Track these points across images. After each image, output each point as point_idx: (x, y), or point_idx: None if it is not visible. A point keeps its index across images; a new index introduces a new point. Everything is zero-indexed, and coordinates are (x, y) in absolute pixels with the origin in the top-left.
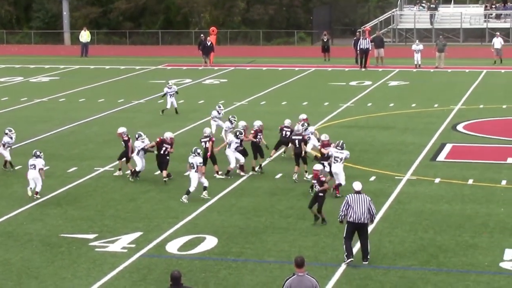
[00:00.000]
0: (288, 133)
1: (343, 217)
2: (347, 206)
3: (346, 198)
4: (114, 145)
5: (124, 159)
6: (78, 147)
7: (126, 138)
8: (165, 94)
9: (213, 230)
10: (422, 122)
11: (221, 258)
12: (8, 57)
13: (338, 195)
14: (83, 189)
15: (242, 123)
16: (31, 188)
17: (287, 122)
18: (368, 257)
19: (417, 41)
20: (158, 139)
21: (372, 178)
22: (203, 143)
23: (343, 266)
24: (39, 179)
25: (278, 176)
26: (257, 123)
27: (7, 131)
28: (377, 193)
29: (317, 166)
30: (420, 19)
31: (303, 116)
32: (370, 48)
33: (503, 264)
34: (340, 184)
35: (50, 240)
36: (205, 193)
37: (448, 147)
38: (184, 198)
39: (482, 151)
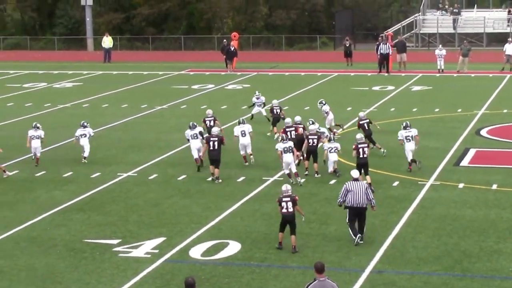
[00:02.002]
0: (279, 111)
1: (341, 202)
2: (346, 192)
3: (345, 184)
4: (138, 150)
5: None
6: (102, 152)
7: None
8: (253, 105)
9: (236, 236)
10: (445, 127)
11: (244, 263)
12: (31, 63)
13: (411, 169)
14: (107, 194)
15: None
16: (35, 154)
17: (275, 102)
18: (363, 235)
19: (440, 45)
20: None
21: (396, 183)
22: (310, 141)
23: (367, 272)
24: (40, 147)
25: (301, 181)
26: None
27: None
28: (401, 198)
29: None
30: (443, 24)
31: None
32: (390, 53)
33: None
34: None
35: (74, 245)
36: (299, 179)
37: (471, 152)
38: (301, 181)
39: (506, 156)
